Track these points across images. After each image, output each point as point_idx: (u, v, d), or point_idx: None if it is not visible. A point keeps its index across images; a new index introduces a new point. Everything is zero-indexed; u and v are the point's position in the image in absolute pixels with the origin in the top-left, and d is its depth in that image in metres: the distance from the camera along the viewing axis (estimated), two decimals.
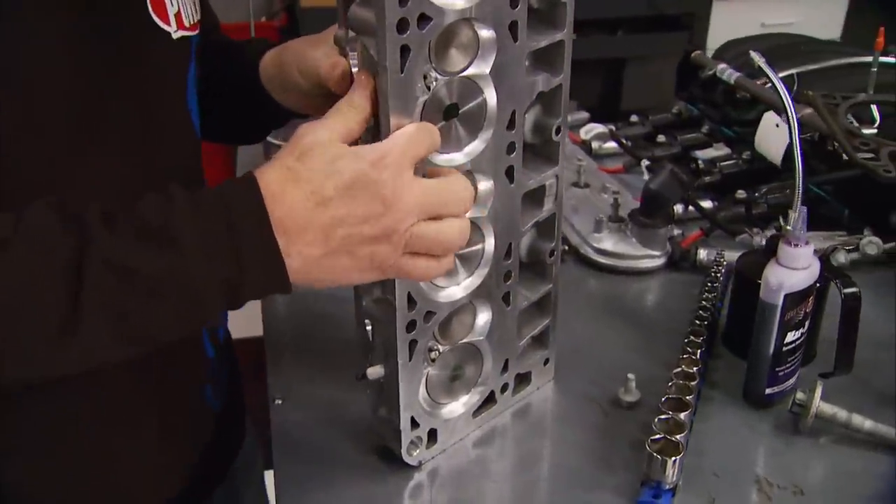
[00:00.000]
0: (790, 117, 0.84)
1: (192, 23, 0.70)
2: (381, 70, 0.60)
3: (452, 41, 0.64)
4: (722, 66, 1.30)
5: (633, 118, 1.43)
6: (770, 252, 0.84)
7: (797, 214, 0.75)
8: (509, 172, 0.71)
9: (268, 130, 0.93)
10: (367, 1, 0.59)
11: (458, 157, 0.67)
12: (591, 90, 2.84)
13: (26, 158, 0.57)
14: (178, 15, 0.67)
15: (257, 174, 0.56)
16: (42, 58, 0.56)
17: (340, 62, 0.69)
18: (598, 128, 1.43)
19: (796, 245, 0.76)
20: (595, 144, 1.38)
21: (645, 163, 1.28)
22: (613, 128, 1.41)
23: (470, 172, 0.69)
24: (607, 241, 1.08)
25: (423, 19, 0.60)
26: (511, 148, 0.71)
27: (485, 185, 0.70)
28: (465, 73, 0.65)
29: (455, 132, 0.67)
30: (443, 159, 0.66)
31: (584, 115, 1.52)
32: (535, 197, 0.77)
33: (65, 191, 0.58)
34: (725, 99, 1.30)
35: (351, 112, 0.60)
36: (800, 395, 0.76)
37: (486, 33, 0.65)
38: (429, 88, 0.63)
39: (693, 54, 1.38)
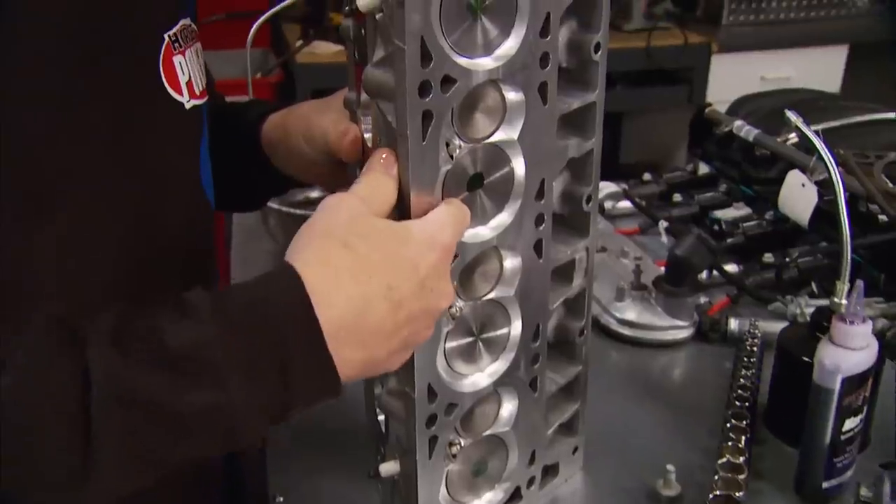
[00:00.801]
0: (834, 179, 0.77)
1: (201, 90, 0.65)
2: (401, 138, 0.53)
3: (477, 105, 0.57)
4: (739, 122, 1.25)
5: (647, 176, 1.38)
6: (818, 327, 0.77)
7: (854, 288, 0.68)
8: (538, 247, 0.65)
9: (266, 199, 0.86)
10: (385, 61, 0.53)
11: (483, 232, 0.60)
12: None
13: (29, 243, 0.51)
14: (189, 83, 0.62)
15: (299, 267, 0.48)
16: (38, 126, 0.50)
17: (351, 129, 0.63)
18: (611, 187, 1.37)
19: (853, 322, 0.68)
20: (608, 204, 1.32)
21: (663, 224, 1.21)
22: (626, 186, 1.35)
23: (496, 249, 0.62)
24: (630, 311, 1.00)
25: (447, 82, 0.53)
26: (540, 220, 0.64)
27: (511, 262, 0.63)
28: (490, 140, 0.59)
29: (480, 204, 0.60)
30: (468, 234, 0.59)
31: None
32: (563, 272, 0.70)
33: (73, 272, 0.53)
34: (744, 156, 1.25)
35: (386, 181, 0.54)
36: (864, 492, 0.68)
37: (513, 96, 0.58)
38: (451, 157, 0.56)
39: (707, 110, 1.33)
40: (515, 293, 0.64)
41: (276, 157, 0.75)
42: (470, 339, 0.64)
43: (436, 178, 0.56)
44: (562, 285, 0.70)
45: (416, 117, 0.52)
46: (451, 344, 0.62)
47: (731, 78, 2.48)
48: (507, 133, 0.59)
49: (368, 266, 0.49)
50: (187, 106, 0.61)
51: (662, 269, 1.04)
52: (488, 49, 0.55)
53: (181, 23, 0.61)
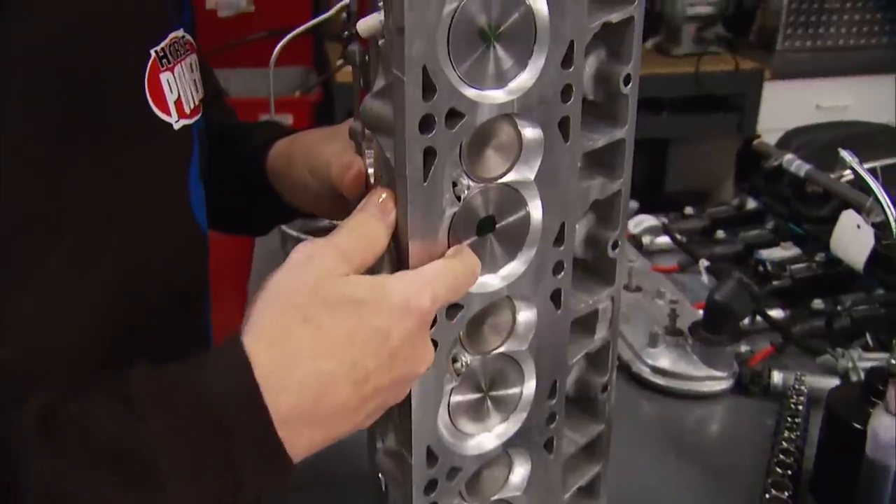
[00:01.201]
0: (892, 222, 0.70)
1: (192, 107, 0.61)
2: (399, 179, 0.48)
3: (489, 141, 0.52)
4: (789, 156, 1.17)
5: (688, 210, 1.30)
6: (872, 390, 0.69)
7: None
8: (556, 297, 0.58)
9: (273, 225, 0.82)
10: (385, 92, 0.48)
11: (493, 282, 0.54)
12: (633, 172, 2.73)
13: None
14: (178, 102, 0.58)
15: (249, 345, 0.43)
16: (17, 148, 0.46)
17: (355, 162, 0.58)
18: (649, 220, 1.30)
19: None
20: (646, 239, 1.25)
21: (704, 263, 1.14)
22: (666, 220, 1.28)
23: (508, 299, 0.56)
24: (664, 358, 0.93)
25: (453, 116, 0.48)
26: (559, 268, 0.58)
27: (525, 314, 0.57)
28: (504, 180, 0.53)
29: (490, 250, 0.54)
30: (477, 283, 0.53)
31: (633, 205, 1.39)
32: (585, 323, 0.64)
33: (48, 300, 0.49)
34: (794, 192, 1.17)
35: (375, 227, 0.48)
36: None
37: (530, 132, 0.53)
38: (459, 199, 0.51)
39: (755, 142, 1.25)
40: (530, 347, 0.58)
41: (281, 186, 0.70)
42: (477, 396, 0.58)
43: (439, 222, 0.50)
44: (583, 337, 0.64)
45: (416, 155, 0.47)
46: (456, 400, 0.56)
47: (785, 106, 2.39)
48: (523, 173, 0.53)
49: (331, 343, 0.44)
50: (176, 126, 0.58)
51: (701, 312, 0.97)
52: (502, 80, 0.50)
53: (171, 36, 0.57)
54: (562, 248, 0.57)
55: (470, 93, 0.48)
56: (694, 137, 2.74)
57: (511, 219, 0.54)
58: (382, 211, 0.48)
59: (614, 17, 0.55)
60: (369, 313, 0.45)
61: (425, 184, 0.48)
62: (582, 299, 0.62)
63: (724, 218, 1.26)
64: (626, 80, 0.57)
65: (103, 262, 0.53)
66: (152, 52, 0.55)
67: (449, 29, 0.46)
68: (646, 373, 0.93)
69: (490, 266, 0.54)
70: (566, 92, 0.53)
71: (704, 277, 1.13)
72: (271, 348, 0.43)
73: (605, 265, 0.63)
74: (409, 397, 0.52)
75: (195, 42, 0.64)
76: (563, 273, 0.58)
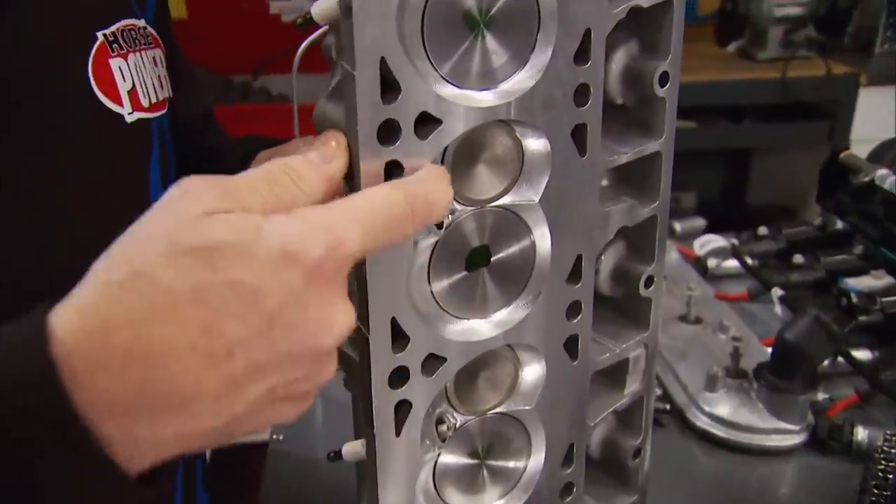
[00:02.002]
0: None
1: (153, 102, 0.54)
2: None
3: (480, 154, 0.41)
4: (882, 171, 1.02)
5: (762, 230, 1.16)
6: None
7: None
8: (571, 345, 0.48)
9: None
10: (336, 92, 0.38)
11: (484, 329, 0.44)
12: (711, 184, 2.56)
13: None
14: (132, 92, 0.52)
15: (59, 318, 0.33)
16: None
17: None
18: (717, 240, 1.16)
19: None
20: (712, 262, 1.12)
21: (777, 292, 1.00)
22: (736, 241, 1.14)
23: (510, 348, 0.46)
24: (724, 405, 0.81)
25: (426, 122, 0.38)
26: (575, 310, 0.47)
27: (532, 368, 0.47)
28: (500, 202, 0.43)
29: (483, 289, 0.44)
30: (461, 330, 0.43)
31: (700, 222, 1.25)
32: (611, 375, 0.53)
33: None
34: (887, 213, 1.02)
35: (303, 168, 0.36)
36: None
37: (534, 143, 0.42)
38: (440, 227, 0.41)
39: (842, 155, 1.10)
40: (538, 406, 0.48)
41: None
42: (471, 463, 0.48)
43: (411, 255, 0.40)
44: (609, 393, 0.53)
45: (373, 170, 0.37)
46: (444, 463, 0.46)
47: (882, 115, 2.18)
48: (525, 194, 0.43)
49: (168, 302, 0.32)
50: (128, 118, 0.51)
51: (770, 350, 0.84)
52: (493, 78, 0.40)
53: (123, 22, 0.52)
54: (578, 285, 0.46)
55: (447, 92, 0.38)
56: (780, 148, 2.55)
57: (510, 250, 0.44)
58: (324, 156, 0.37)
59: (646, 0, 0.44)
60: (229, 262, 0.32)
61: None
62: (607, 347, 0.51)
63: (803, 240, 1.11)
64: (663, 80, 0.46)
65: (58, 252, 0.47)
66: (99, 34, 0.50)
67: (424, 10, 0.36)
68: (702, 421, 0.81)
69: (481, 308, 0.44)
70: (581, 93, 0.42)
71: (777, 308, 0.99)
72: (85, 315, 0.32)
73: (638, 306, 0.52)
74: (373, 463, 0.43)
75: (168, 42, 0.60)
76: (580, 316, 0.47)
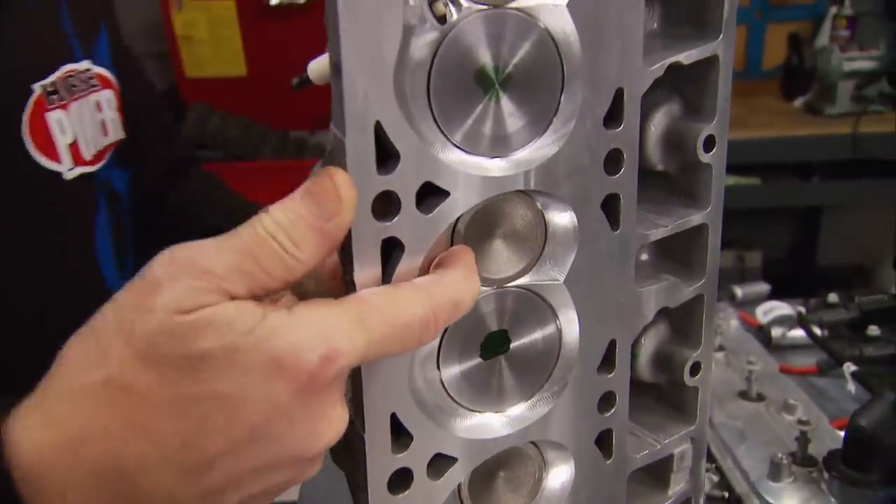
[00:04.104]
0: None
1: (95, 153, 0.52)
2: (347, 284, 0.34)
3: (496, 229, 0.37)
4: None
5: (832, 297, 1.08)
6: None
7: None
8: (604, 441, 0.42)
9: None
10: (330, 157, 0.34)
11: (500, 424, 0.39)
12: (778, 243, 2.45)
13: None
14: (73, 146, 0.49)
15: (15, 423, 0.30)
16: None
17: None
18: (782, 307, 1.08)
19: None
20: (776, 332, 1.03)
21: (850, 367, 0.91)
22: (803, 309, 1.06)
23: (534, 445, 0.40)
24: (790, 497, 0.72)
25: (430, 194, 0.34)
26: (608, 402, 0.41)
27: (560, 471, 0.41)
28: (520, 282, 0.38)
29: (500, 379, 0.39)
30: (474, 425, 0.38)
31: (763, 287, 1.17)
32: (654, 473, 0.47)
33: None
34: None
35: (268, 251, 0.30)
36: None
37: (558, 216, 0.37)
38: None
39: None
40: None
41: None
42: None
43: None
44: (651, 493, 0.47)
45: (368, 250, 0.33)
46: None
47: None
48: (548, 272, 0.38)
49: (144, 415, 0.29)
50: (67, 175, 0.49)
51: (842, 435, 0.76)
52: (511, 144, 0.35)
53: (66, 69, 0.49)
54: (611, 374, 0.41)
55: (454, 160, 0.34)
56: (851, 205, 2.44)
57: (532, 336, 0.39)
58: (321, 214, 0.31)
59: (687, 56, 0.39)
60: (214, 374, 0.29)
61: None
62: (647, 442, 0.45)
63: (878, 309, 1.02)
64: (709, 144, 0.41)
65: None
66: (36, 86, 0.47)
67: (430, 67, 0.32)
68: None
69: (497, 401, 0.39)
70: (613, 160, 0.38)
71: (850, 386, 0.91)
72: (48, 426, 0.29)
73: (683, 395, 0.46)
74: None
75: (133, 83, 0.57)
76: (613, 409, 0.42)
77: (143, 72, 0.63)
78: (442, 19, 0.32)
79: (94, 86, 0.52)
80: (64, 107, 0.49)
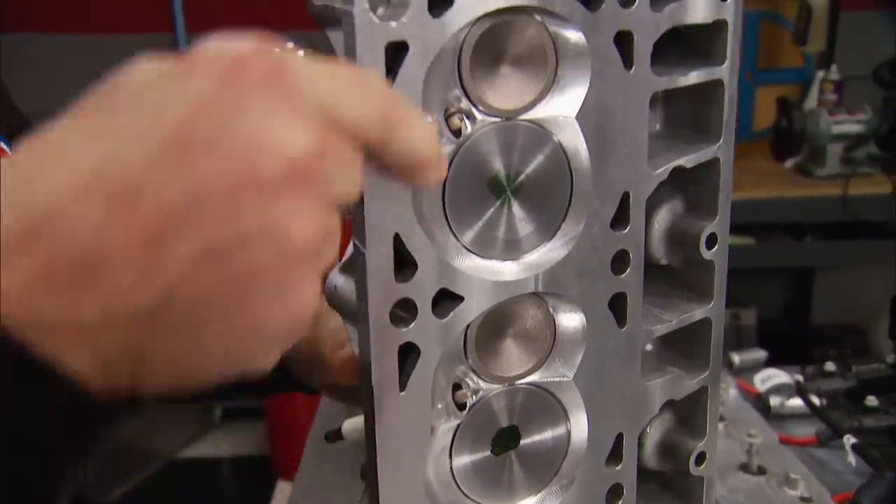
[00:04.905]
0: None
1: None
2: (364, 389, 0.35)
3: (506, 329, 0.38)
4: None
5: (829, 366, 1.08)
6: None
7: None
8: None
9: (276, 392, 0.67)
10: (349, 265, 0.35)
11: None
12: (772, 301, 2.47)
13: None
14: None
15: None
16: None
17: (349, 344, 0.45)
18: (780, 376, 1.08)
19: None
20: (774, 401, 1.04)
21: (850, 440, 0.92)
22: (800, 378, 1.07)
23: None
24: None
25: (445, 299, 0.35)
26: (615, 494, 0.42)
27: None
28: (530, 379, 0.39)
29: (509, 474, 0.39)
30: None
31: (760, 354, 1.18)
32: None
33: None
34: None
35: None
36: None
37: (566, 316, 0.38)
38: (463, 407, 0.37)
39: None
40: None
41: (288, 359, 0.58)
42: None
43: (424, 449, 0.36)
44: None
45: (386, 355, 0.34)
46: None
47: None
48: (557, 370, 0.39)
49: (81, 134, 0.25)
50: None
51: None
52: (521, 248, 0.37)
53: None
54: (618, 467, 0.42)
55: (468, 265, 0.35)
56: (845, 265, 2.46)
57: (542, 432, 0.39)
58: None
59: (689, 160, 0.40)
60: (127, 78, 0.25)
61: (402, 393, 0.34)
62: None
63: (876, 379, 1.03)
64: (711, 242, 0.42)
65: None
66: None
67: (444, 185, 0.34)
68: None
69: (507, 496, 0.39)
70: (619, 260, 0.39)
71: (851, 457, 0.91)
72: (27, 148, 0.25)
73: (688, 484, 0.46)
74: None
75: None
76: (621, 501, 0.42)
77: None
78: (457, 133, 0.34)
79: None
80: None
